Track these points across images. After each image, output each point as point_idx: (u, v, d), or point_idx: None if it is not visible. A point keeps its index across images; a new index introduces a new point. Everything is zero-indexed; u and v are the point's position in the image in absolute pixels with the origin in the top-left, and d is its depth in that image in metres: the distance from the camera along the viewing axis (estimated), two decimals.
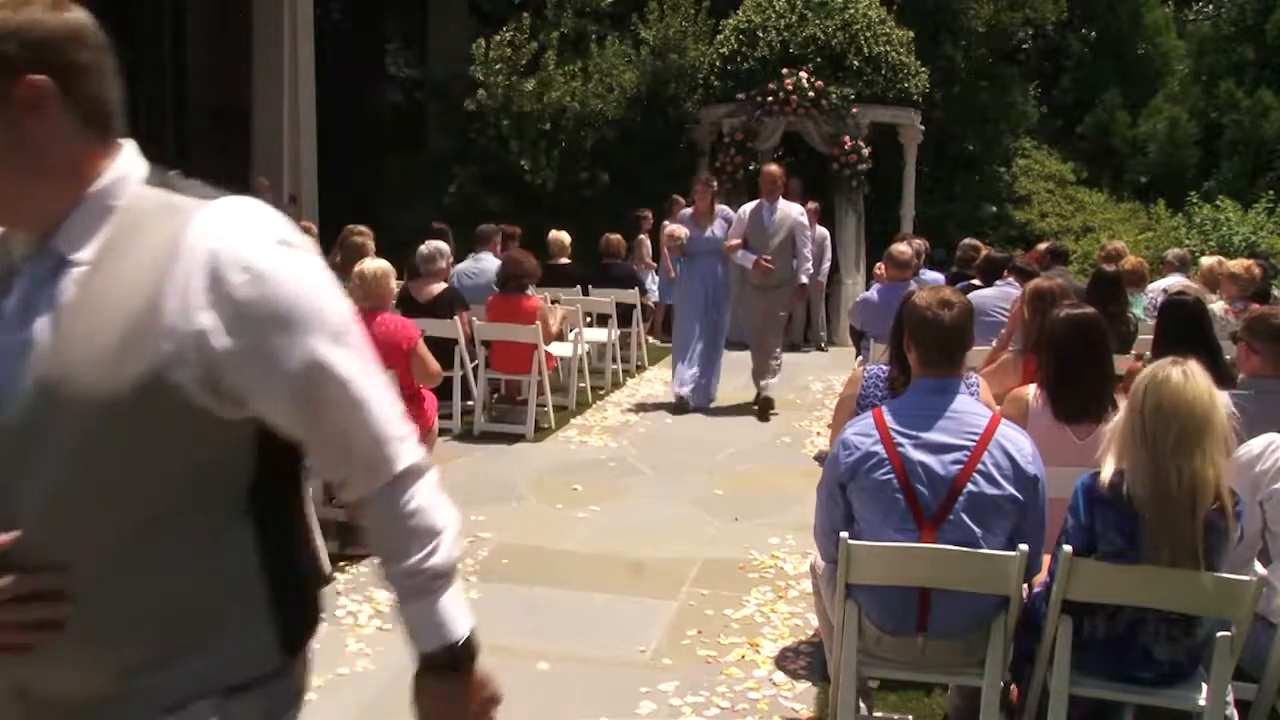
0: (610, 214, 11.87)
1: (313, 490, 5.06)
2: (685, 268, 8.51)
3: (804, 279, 8.08)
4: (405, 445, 1.38)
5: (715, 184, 8.77)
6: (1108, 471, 2.79)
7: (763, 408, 8.22)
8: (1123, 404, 2.92)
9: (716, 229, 8.27)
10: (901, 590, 2.89)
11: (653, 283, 11.53)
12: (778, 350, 8.33)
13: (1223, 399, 3.59)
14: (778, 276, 7.92)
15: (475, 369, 7.51)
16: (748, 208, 8.11)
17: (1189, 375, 2.73)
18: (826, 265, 12.15)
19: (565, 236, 9.73)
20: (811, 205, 11.86)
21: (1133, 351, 5.48)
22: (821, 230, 11.99)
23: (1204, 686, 2.85)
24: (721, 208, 8.50)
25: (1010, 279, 6.46)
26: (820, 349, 12.18)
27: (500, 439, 7.26)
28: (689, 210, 8.65)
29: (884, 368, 3.74)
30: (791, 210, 8.04)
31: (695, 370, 8.33)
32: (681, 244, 8.37)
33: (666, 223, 8.84)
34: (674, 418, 8.02)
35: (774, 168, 8.26)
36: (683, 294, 8.58)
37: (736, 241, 8.03)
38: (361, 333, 1.34)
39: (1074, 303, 4.20)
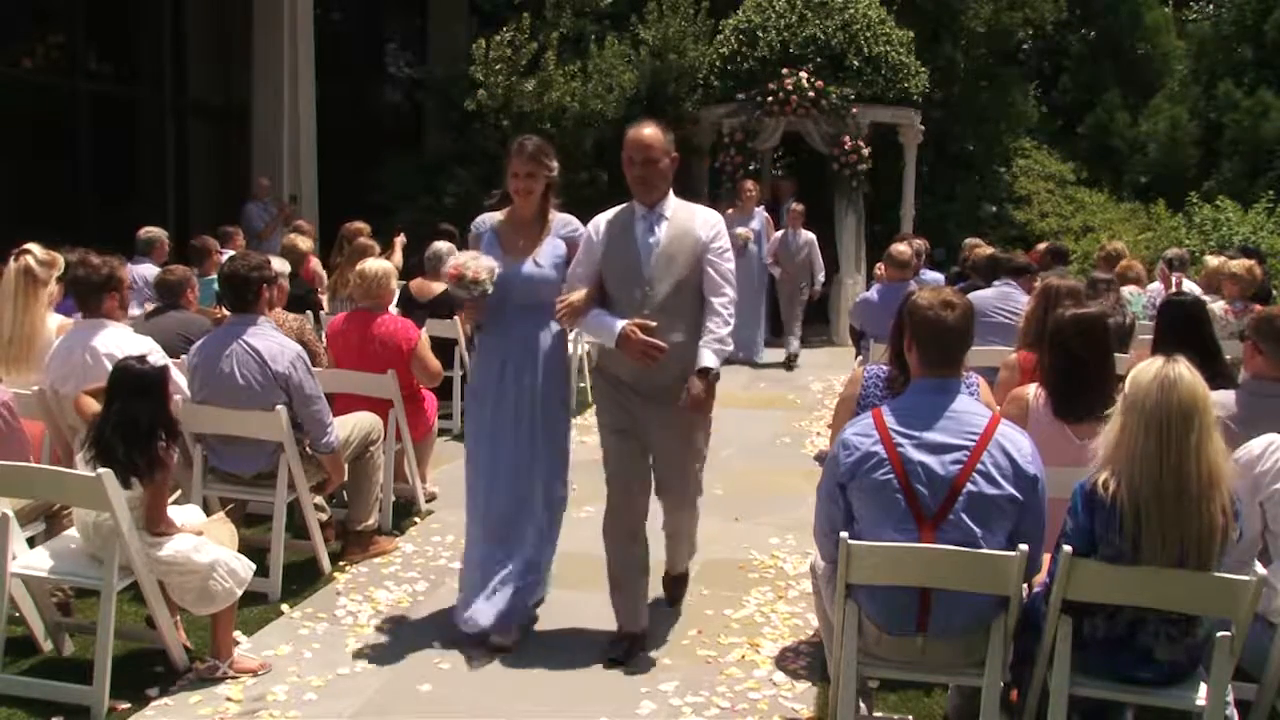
0: None
1: (320, 498, 5.01)
2: (484, 342, 4.22)
3: (710, 359, 3.73)
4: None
5: (553, 165, 4.16)
6: (1104, 475, 2.79)
7: (676, 586, 4.44)
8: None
9: (544, 257, 4.12)
10: (901, 590, 2.89)
11: None
12: (698, 499, 4.21)
13: (1224, 398, 3.61)
14: (673, 363, 3.76)
15: None
16: (603, 219, 3.99)
17: (1192, 371, 2.76)
18: (821, 276, 10.95)
19: None
20: (796, 207, 10.92)
21: (1133, 351, 5.48)
22: (807, 234, 10.87)
23: (1204, 686, 2.85)
24: (562, 219, 4.20)
25: (1010, 280, 6.46)
26: (789, 367, 10.63)
27: None
28: (493, 216, 4.24)
29: (884, 368, 3.74)
30: (694, 221, 3.90)
31: (506, 572, 4.08)
32: (485, 291, 3.97)
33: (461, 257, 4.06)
34: None
35: (647, 130, 3.86)
36: (480, 392, 4.19)
37: (577, 293, 3.89)
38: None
39: (1077, 302, 4.20)
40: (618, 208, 4.02)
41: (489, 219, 4.24)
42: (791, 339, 10.89)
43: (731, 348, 3.88)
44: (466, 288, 3.96)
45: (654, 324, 3.76)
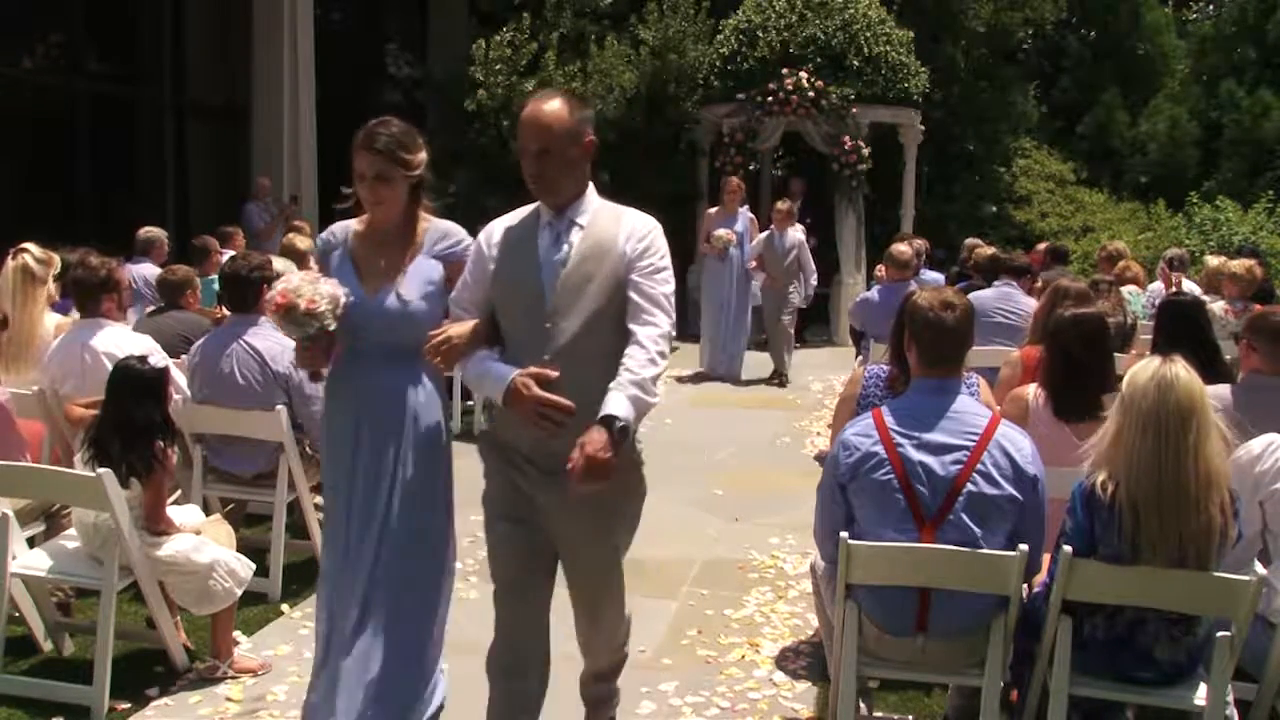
0: None
1: (320, 498, 5.00)
2: (332, 395, 3.16)
3: (619, 404, 2.48)
4: None
5: (416, 159, 3.12)
6: (1101, 475, 2.79)
7: (599, 683, 3.13)
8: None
9: (411, 285, 3.09)
10: (901, 590, 2.89)
11: None
12: (623, 619, 3.00)
13: (1220, 392, 3.61)
14: (585, 428, 2.46)
15: None
16: (499, 225, 2.90)
17: (1189, 370, 2.76)
18: (814, 282, 9.75)
19: None
20: (781, 206, 9.64)
21: (1133, 350, 5.49)
22: (795, 235, 9.50)
23: (1204, 686, 2.85)
24: (438, 230, 3.19)
25: (1010, 280, 6.46)
26: (779, 384, 9.63)
27: None
28: (347, 225, 3.24)
29: (884, 368, 3.74)
30: (618, 232, 2.74)
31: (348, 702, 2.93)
32: (325, 328, 2.93)
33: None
34: (673, 418, 7.97)
35: (546, 107, 2.70)
36: (333, 456, 3.14)
37: (460, 325, 2.78)
38: None
39: (1078, 303, 4.21)
40: (523, 209, 2.88)
41: (343, 229, 3.16)
42: (780, 353, 9.64)
43: (657, 399, 2.61)
44: (299, 323, 2.86)
45: (555, 374, 2.60)
